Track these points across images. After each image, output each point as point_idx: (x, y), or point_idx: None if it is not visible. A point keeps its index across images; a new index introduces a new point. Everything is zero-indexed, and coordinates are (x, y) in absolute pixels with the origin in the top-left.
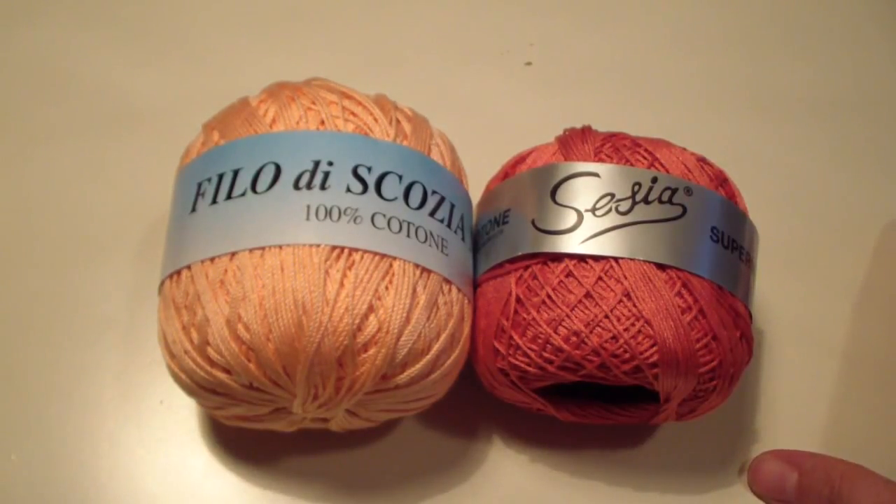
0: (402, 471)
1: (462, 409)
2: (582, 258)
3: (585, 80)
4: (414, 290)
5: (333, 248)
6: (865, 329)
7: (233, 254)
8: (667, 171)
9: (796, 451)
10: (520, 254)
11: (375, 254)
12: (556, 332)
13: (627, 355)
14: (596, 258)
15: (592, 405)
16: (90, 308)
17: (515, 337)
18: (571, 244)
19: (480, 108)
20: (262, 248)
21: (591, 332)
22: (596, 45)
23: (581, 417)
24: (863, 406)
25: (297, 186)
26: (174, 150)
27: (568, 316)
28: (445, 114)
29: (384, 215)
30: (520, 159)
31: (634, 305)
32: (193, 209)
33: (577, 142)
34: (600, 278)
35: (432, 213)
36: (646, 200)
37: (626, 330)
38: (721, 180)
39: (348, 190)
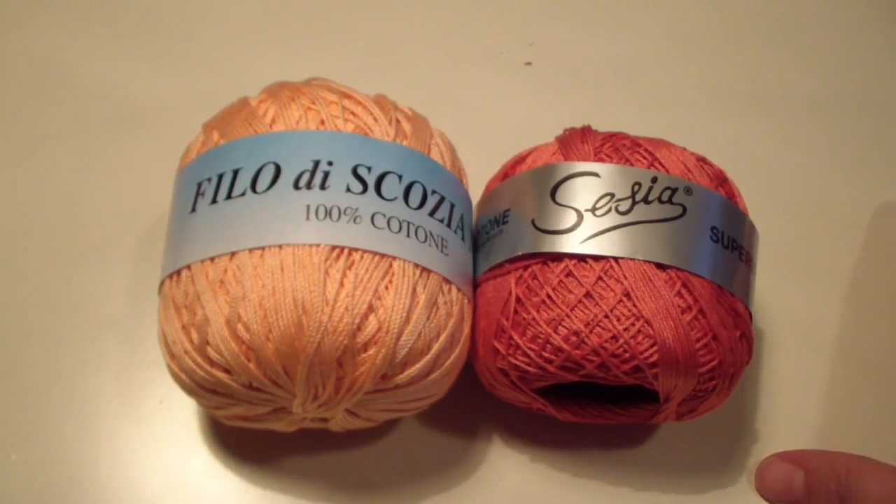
0: (402, 471)
1: (462, 409)
2: (582, 258)
3: (585, 80)
4: (414, 290)
5: (333, 247)
6: (865, 329)
7: (233, 254)
8: (667, 170)
9: (800, 451)
10: (520, 254)
11: (375, 254)
12: (555, 331)
13: (627, 355)
14: (596, 258)
15: (592, 405)
16: (90, 308)
17: (515, 337)
18: (571, 244)
19: (480, 108)
20: (262, 248)
21: (590, 331)
22: (596, 45)
23: (581, 417)
24: (862, 406)
25: (296, 186)
26: (174, 150)
27: (568, 316)
28: (445, 114)
29: (384, 215)
30: (520, 159)
31: (634, 305)
32: (193, 209)
33: (576, 142)
34: (600, 278)
35: (432, 213)
36: (646, 200)
37: (625, 330)
38: (721, 180)
39: (348, 190)
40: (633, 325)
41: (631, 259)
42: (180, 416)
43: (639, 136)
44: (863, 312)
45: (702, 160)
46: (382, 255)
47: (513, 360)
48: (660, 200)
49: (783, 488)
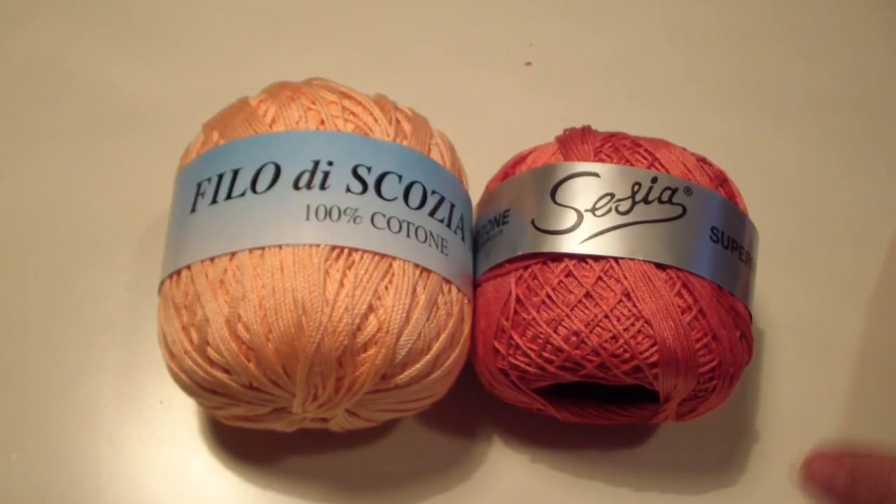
0: (402, 471)
1: (462, 409)
2: (582, 258)
3: (585, 80)
4: (414, 290)
5: (333, 247)
6: (865, 328)
7: (232, 254)
8: (667, 170)
9: (845, 447)
10: (520, 254)
11: (375, 254)
12: (555, 332)
13: (627, 355)
14: (596, 258)
15: (592, 405)
16: (90, 308)
17: (515, 337)
18: (571, 244)
19: (480, 108)
20: (262, 248)
21: (590, 332)
22: (596, 45)
23: (581, 417)
24: (863, 405)
25: (296, 186)
26: (174, 150)
27: (568, 316)
28: (445, 114)
29: (384, 215)
30: (520, 159)
31: (634, 305)
32: (193, 209)
33: (576, 142)
34: (600, 278)
35: (432, 213)
36: (646, 200)
37: (625, 330)
38: (721, 180)
39: (348, 190)
40: (633, 325)
41: (631, 259)
42: (180, 416)
43: (639, 136)
44: (863, 311)
45: (702, 160)
46: (382, 255)
47: (513, 361)
48: (660, 200)
49: (827, 483)
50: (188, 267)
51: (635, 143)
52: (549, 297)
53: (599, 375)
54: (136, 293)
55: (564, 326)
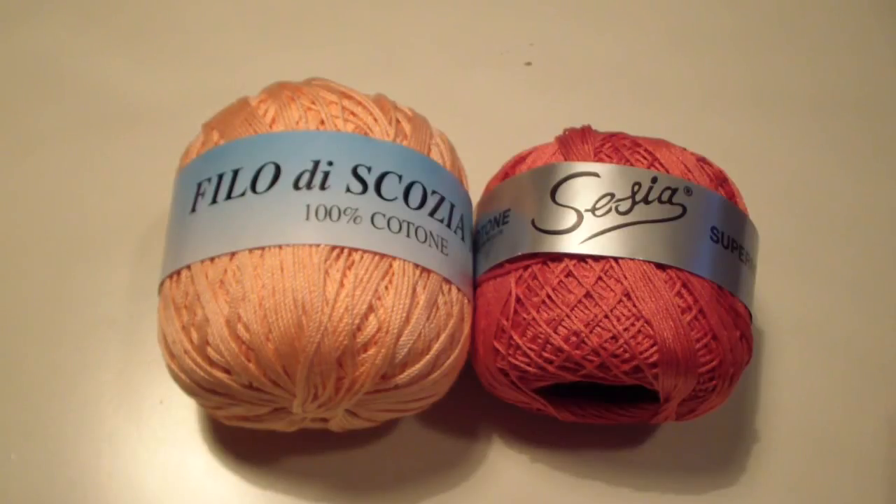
0: (402, 471)
1: (462, 409)
2: (582, 258)
3: (585, 80)
4: (414, 290)
5: (333, 247)
6: (865, 328)
7: (232, 254)
8: (667, 171)
9: None
10: (519, 254)
11: (375, 254)
12: (555, 332)
13: (627, 355)
14: (596, 258)
15: (592, 405)
16: (90, 308)
17: (515, 337)
18: (571, 244)
19: (480, 108)
20: (262, 248)
21: (590, 332)
22: (596, 45)
23: (581, 417)
24: (863, 406)
25: (296, 186)
26: (174, 150)
27: (568, 316)
28: (445, 114)
29: (384, 215)
30: (520, 159)
31: (634, 305)
32: (193, 209)
33: (576, 142)
34: (600, 278)
35: (432, 213)
36: (646, 200)
37: (625, 330)
38: (721, 180)
39: (348, 190)
40: (633, 325)
41: (631, 259)
42: (180, 416)
43: (639, 136)
44: (863, 312)
45: (702, 160)
46: (382, 255)
47: (513, 361)
48: (660, 200)
49: None
50: (188, 267)
51: (635, 143)
52: (549, 297)
53: (599, 375)
54: (136, 293)
55: (564, 326)
